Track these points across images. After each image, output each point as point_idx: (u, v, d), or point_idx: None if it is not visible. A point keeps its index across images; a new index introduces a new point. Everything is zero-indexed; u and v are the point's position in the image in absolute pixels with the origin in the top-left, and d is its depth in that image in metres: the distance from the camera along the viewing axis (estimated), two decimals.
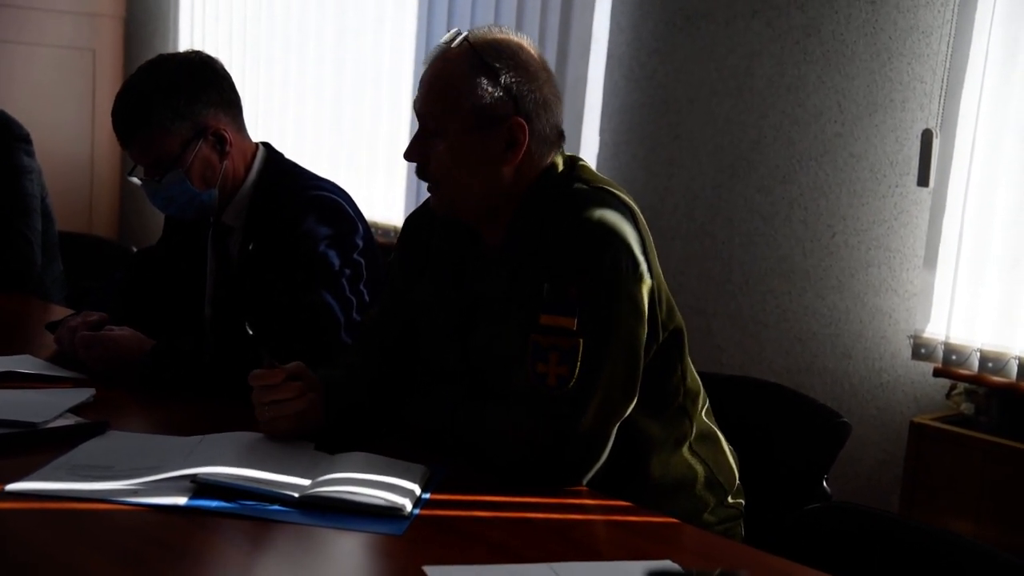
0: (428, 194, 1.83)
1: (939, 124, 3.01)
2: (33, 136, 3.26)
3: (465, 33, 1.76)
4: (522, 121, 1.72)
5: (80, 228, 5.19)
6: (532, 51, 1.77)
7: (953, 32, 2.98)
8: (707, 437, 1.88)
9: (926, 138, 3.01)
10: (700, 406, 1.89)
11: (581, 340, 1.64)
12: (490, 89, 1.71)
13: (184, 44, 5.51)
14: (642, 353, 1.71)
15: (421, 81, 1.77)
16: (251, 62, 5.23)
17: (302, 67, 4.99)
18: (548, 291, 1.66)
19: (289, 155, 2.44)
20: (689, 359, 1.87)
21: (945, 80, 3.01)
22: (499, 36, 1.76)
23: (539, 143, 1.75)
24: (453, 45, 1.74)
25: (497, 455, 1.70)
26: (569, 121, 3.88)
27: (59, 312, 2.60)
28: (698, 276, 3.63)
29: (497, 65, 1.71)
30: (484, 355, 1.79)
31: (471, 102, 1.71)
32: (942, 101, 3.01)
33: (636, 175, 3.80)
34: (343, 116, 4.81)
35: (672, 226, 3.69)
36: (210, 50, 5.23)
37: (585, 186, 1.76)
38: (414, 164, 1.80)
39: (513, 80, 1.71)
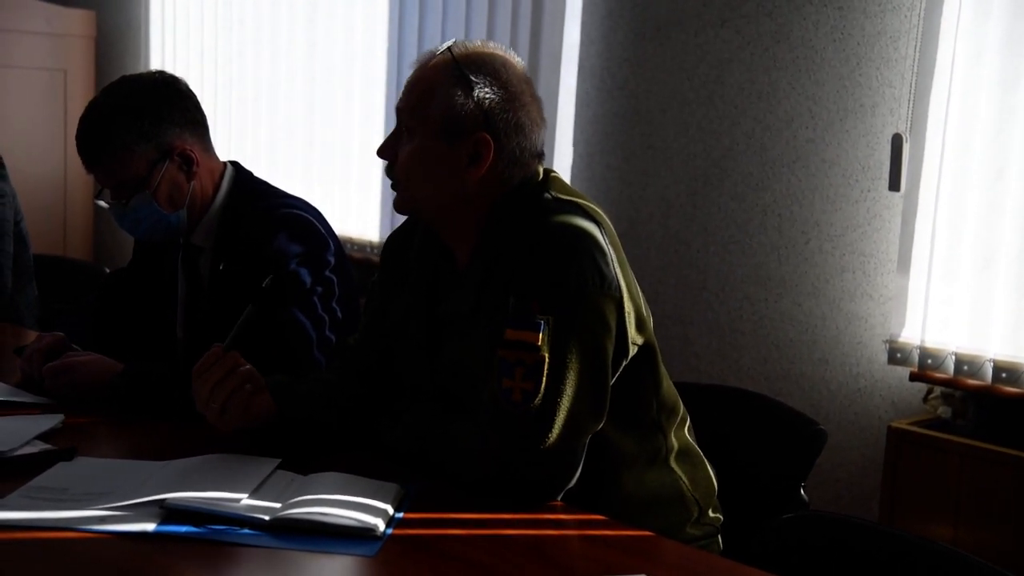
0: None
1: (909, 128, 3.02)
2: (5, 158, 3.24)
3: (452, 43, 1.76)
4: (488, 138, 1.72)
5: (54, 250, 5.16)
6: (518, 72, 1.77)
7: (920, 36, 3.00)
8: (685, 453, 1.87)
9: (896, 142, 3.02)
10: (677, 422, 1.87)
11: (546, 355, 1.63)
12: (462, 101, 1.71)
13: (155, 63, 5.49)
14: (610, 368, 1.70)
15: (405, 82, 1.79)
16: (223, 79, 5.22)
17: (274, 83, 4.99)
18: (513, 305, 1.65)
19: (262, 171, 2.43)
20: (664, 373, 1.86)
21: (913, 84, 3.02)
22: (485, 51, 1.76)
23: (507, 163, 1.75)
24: (438, 52, 1.76)
25: (464, 473, 1.69)
26: None
27: (31, 336, 2.57)
28: (674, 284, 3.64)
29: (474, 79, 1.71)
30: (452, 373, 1.79)
31: (441, 110, 1.71)
32: (911, 105, 3.02)
33: (610, 185, 3.80)
34: (316, 132, 4.80)
35: (647, 235, 3.69)
36: (181, 68, 5.28)
37: (553, 199, 1.75)
38: (388, 180, 1.82)
39: (488, 96, 1.72)
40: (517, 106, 1.74)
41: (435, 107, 1.72)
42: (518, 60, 1.80)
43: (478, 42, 1.79)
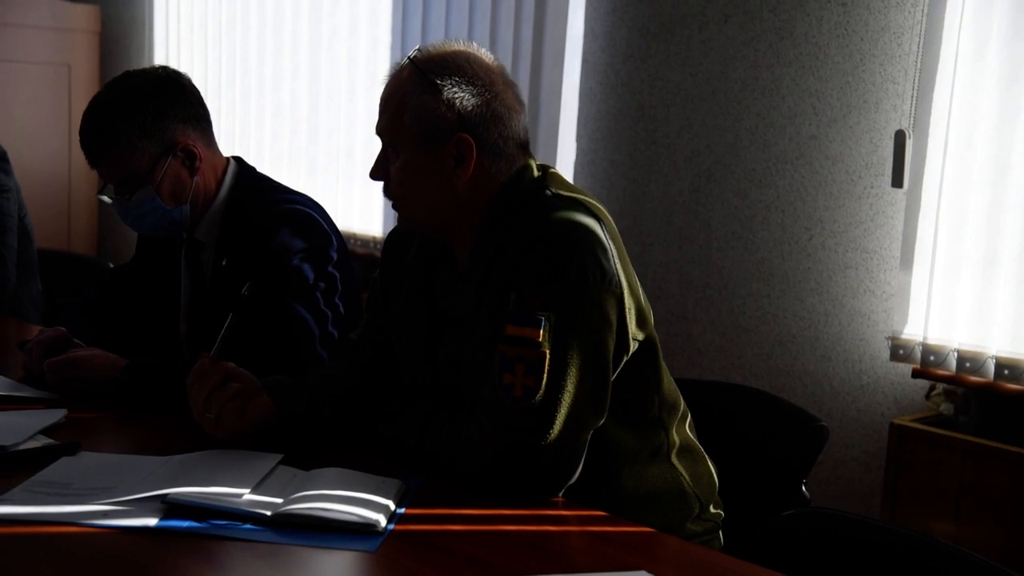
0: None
1: (912, 125, 3.02)
2: (9, 153, 3.24)
3: (413, 52, 1.76)
4: (467, 137, 1.72)
5: (59, 245, 5.17)
6: (484, 63, 1.76)
7: (923, 33, 2.99)
8: (686, 449, 1.87)
9: (899, 139, 3.02)
10: (678, 418, 1.87)
11: (547, 351, 1.63)
12: (432, 106, 1.71)
13: (159, 58, 5.50)
14: (611, 364, 1.70)
15: (379, 103, 1.79)
16: (226, 74, 5.23)
17: (278, 78, 4.99)
18: (514, 301, 1.66)
19: (266, 166, 2.43)
20: (665, 370, 1.86)
21: (917, 81, 3.02)
22: (447, 51, 1.76)
23: (492, 157, 1.75)
24: (402, 65, 1.77)
25: (464, 467, 1.69)
26: (546, 128, 3.88)
27: (35, 331, 2.57)
28: (677, 281, 3.64)
29: (439, 82, 1.71)
30: (453, 371, 1.79)
31: (416, 120, 1.72)
32: (914, 102, 3.02)
33: (614, 181, 3.80)
34: (319, 127, 4.80)
35: (650, 231, 3.69)
36: (185, 63, 5.29)
37: (553, 195, 1.75)
38: (389, 200, 1.83)
39: (457, 96, 1.71)
40: (489, 97, 1.73)
41: (409, 119, 1.72)
42: (485, 52, 1.79)
43: (440, 44, 1.79)
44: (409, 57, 1.76)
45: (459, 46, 1.78)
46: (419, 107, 1.71)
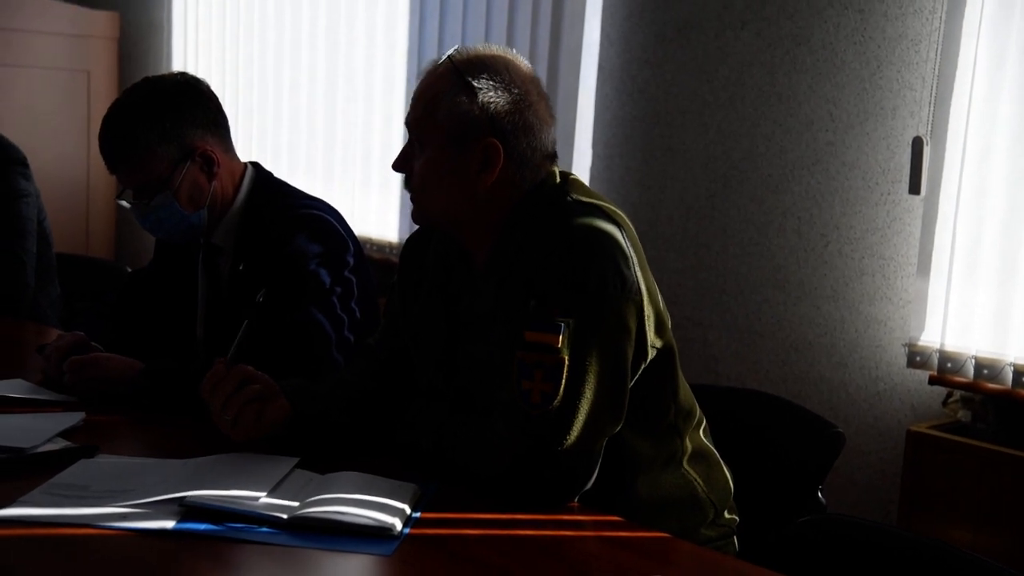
0: None
1: (929, 132, 3.01)
2: (29, 158, 3.26)
3: (452, 51, 1.76)
4: (496, 142, 1.72)
5: (77, 249, 5.20)
6: (522, 72, 1.76)
7: (941, 40, 2.99)
8: (701, 456, 1.87)
9: (916, 146, 3.01)
10: (693, 424, 1.87)
11: (566, 357, 1.63)
12: (467, 107, 1.71)
13: (178, 64, 5.53)
14: (629, 372, 1.70)
15: (412, 95, 1.79)
16: (244, 81, 5.25)
17: (295, 84, 5.01)
18: (533, 307, 1.66)
19: (283, 172, 2.44)
20: (682, 377, 1.86)
21: (934, 88, 3.01)
22: (486, 54, 1.76)
23: (518, 165, 1.75)
24: (440, 61, 1.76)
25: (479, 468, 1.70)
26: (561, 134, 3.88)
27: (53, 335, 2.59)
28: (693, 287, 3.63)
29: (476, 84, 1.71)
30: (470, 373, 1.79)
31: (448, 118, 1.72)
32: (932, 109, 3.01)
33: (629, 187, 3.80)
34: (336, 133, 4.82)
35: (666, 237, 3.69)
36: (203, 69, 5.31)
37: (575, 201, 1.75)
38: (408, 192, 1.83)
39: (492, 100, 1.71)
40: (523, 106, 1.73)
41: (441, 116, 1.72)
42: (522, 60, 1.79)
43: (480, 46, 1.79)
44: (448, 55, 1.76)
45: (499, 50, 1.77)
46: (452, 106, 1.71)
